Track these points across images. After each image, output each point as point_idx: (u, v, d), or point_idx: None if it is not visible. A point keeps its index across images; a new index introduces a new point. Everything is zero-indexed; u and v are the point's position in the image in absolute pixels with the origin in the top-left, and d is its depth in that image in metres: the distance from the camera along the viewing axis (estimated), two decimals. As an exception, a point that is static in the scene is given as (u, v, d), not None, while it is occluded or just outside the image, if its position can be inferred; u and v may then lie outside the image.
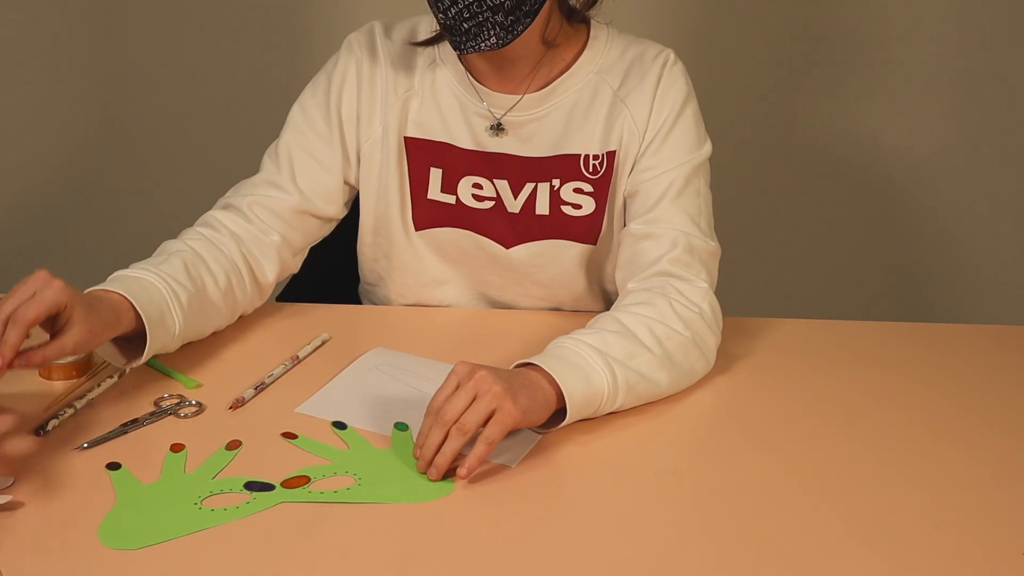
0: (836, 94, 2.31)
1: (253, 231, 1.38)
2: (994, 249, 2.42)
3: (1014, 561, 1.01)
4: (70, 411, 1.17)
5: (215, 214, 1.40)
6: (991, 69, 2.29)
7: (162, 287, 1.24)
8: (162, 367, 1.27)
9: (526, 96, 1.38)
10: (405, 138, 1.41)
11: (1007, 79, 2.29)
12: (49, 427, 1.15)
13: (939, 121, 2.33)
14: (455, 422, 1.09)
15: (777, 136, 2.35)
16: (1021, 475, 1.14)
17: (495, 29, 1.27)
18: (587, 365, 1.18)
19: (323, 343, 1.35)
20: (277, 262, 1.39)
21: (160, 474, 1.09)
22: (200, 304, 1.29)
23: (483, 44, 1.28)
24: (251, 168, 1.45)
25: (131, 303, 1.19)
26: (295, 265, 1.44)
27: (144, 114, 2.38)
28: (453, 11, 1.26)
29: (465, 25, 1.27)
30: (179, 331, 1.25)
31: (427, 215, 1.42)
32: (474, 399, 1.09)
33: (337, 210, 1.44)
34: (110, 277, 1.24)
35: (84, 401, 1.19)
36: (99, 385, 1.22)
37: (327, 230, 1.46)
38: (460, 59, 1.39)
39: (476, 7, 1.25)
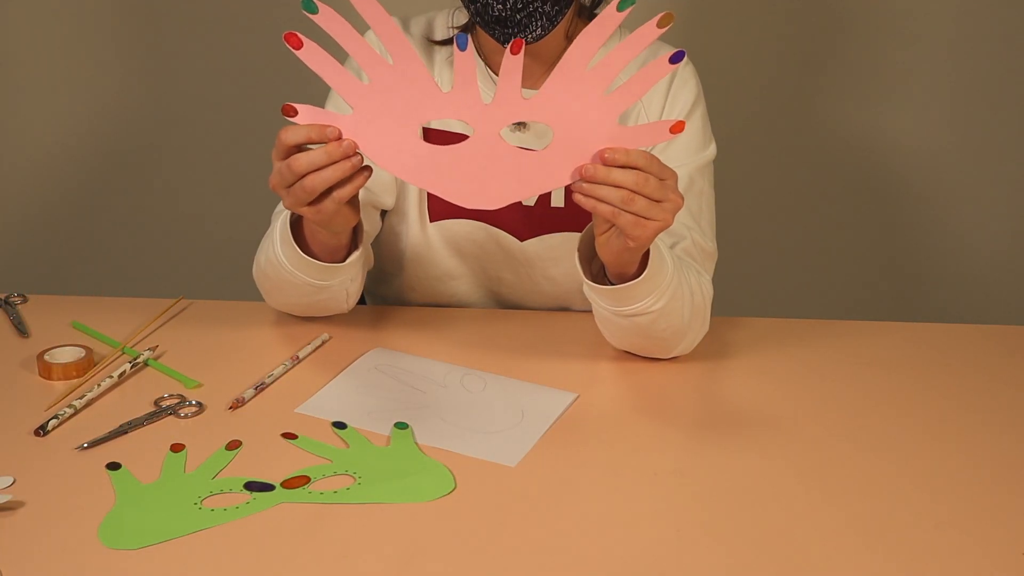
0: (838, 93, 2.31)
1: None
2: (995, 249, 2.42)
3: (1014, 561, 1.01)
4: (70, 411, 1.17)
5: None
6: (993, 68, 2.29)
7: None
8: (162, 367, 1.27)
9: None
10: (425, 129, 1.43)
11: (1010, 78, 2.29)
12: (49, 427, 1.15)
13: (941, 120, 2.33)
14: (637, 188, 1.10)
15: (777, 136, 2.35)
16: (1021, 475, 1.14)
17: (542, 20, 1.29)
18: (662, 251, 1.23)
19: (323, 343, 1.35)
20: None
21: (160, 474, 1.09)
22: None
23: (531, 34, 1.30)
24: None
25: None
26: (370, 260, 1.43)
27: (158, 115, 2.38)
28: (510, 2, 1.27)
29: (519, 16, 1.28)
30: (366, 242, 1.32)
31: (443, 206, 1.43)
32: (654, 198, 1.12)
33: (392, 199, 1.45)
34: None
35: (84, 401, 1.19)
36: (99, 385, 1.22)
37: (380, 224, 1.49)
38: (479, 54, 1.41)
39: None
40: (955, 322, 1.55)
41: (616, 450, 1.16)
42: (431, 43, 1.44)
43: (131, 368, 1.26)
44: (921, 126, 2.33)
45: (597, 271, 1.26)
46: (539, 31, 1.30)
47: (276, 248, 1.28)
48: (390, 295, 1.53)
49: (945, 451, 1.17)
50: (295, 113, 1.10)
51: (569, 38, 1.39)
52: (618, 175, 1.10)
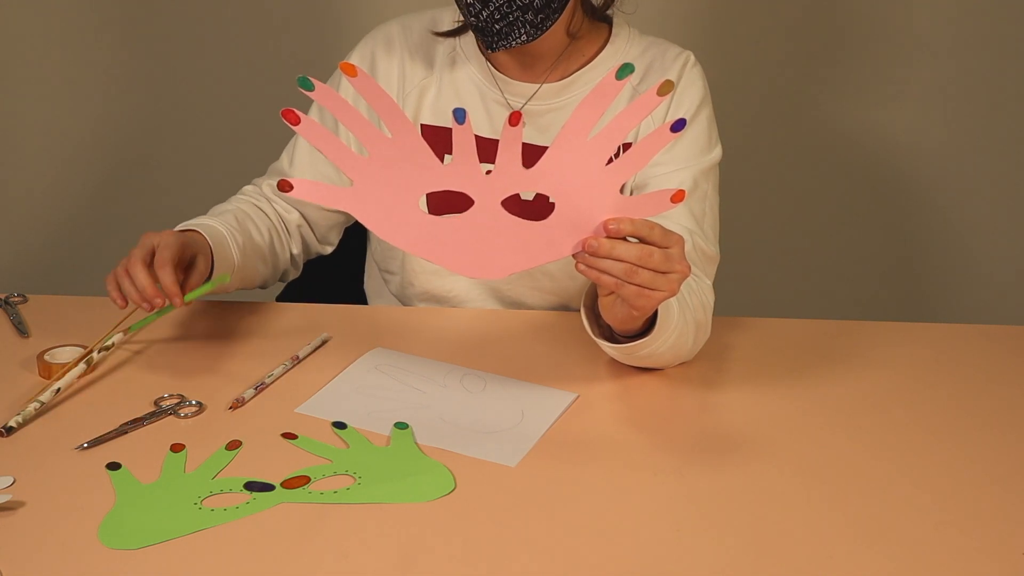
0: (841, 94, 2.31)
1: (277, 208, 1.49)
2: (995, 249, 2.42)
3: (1014, 561, 1.01)
4: (37, 405, 1.16)
5: (253, 184, 1.54)
6: (998, 69, 2.29)
7: (223, 229, 1.37)
8: (199, 291, 1.26)
9: (545, 85, 1.41)
10: (421, 125, 1.43)
11: (1012, 78, 2.29)
12: (12, 423, 1.14)
13: (942, 120, 2.33)
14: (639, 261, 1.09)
15: (780, 136, 2.35)
16: (1021, 475, 1.14)
17: (525, 27, 1.31)
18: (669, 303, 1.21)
19: (323, 343, 1.35)
20: (299, 238, 1.51)
21: (160, 474, 1.09)
22: (252, 250, 1.41)
23: (514, 42, 1.32)
24: (266, 170, 1.52)
25: (205, 238, 1.33)
26: (322, 247, 1.54)
27: (158, 117, 2.38)
28: (484, 14, 1.29)
29: (497, 26, 1.30)
30: (237, 266, 1.36)
31: (442, 202, 1.43)
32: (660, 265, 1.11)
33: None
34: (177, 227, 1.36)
35: (48, 394, 1.18)
36: (63, 376, 1.20)
37: (342, 218, 1.53)
38: (481, 49, 1.43)
39: (506, 7, 1.29)
40: (956, 322, 1.55)
41: (616, 450, 1.16)
42: (435, 35, 1.45)
43: (98, 355, 1.25)
44: (923, 127, 2.33)
45: (605, 324, 1.25)
46: (523, 38, 1.32)
47: None
48: (391, 290, 1.54)
49: (945, 451, 1.17)
50: (290, 188, 1.10)
51: (571, 35, 1.39)
52: (621, 249, 1.09)
